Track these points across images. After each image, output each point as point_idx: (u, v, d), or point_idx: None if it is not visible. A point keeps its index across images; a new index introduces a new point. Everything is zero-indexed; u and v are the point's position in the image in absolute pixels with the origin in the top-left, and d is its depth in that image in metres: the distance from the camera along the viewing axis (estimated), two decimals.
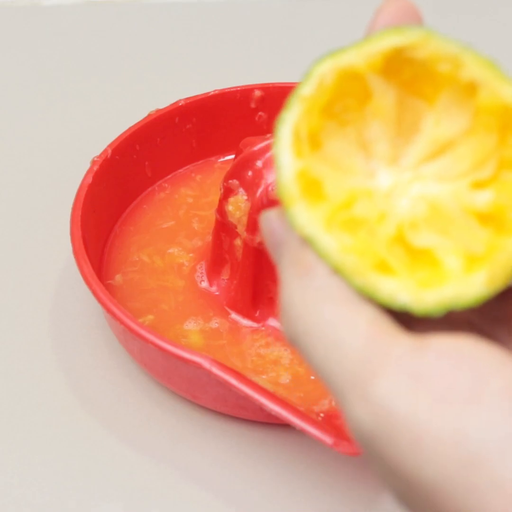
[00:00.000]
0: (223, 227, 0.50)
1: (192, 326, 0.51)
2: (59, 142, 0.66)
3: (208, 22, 0.79)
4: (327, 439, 0.39)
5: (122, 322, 0.44)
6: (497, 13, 0.81)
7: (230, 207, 0.49)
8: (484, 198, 0.26)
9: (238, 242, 0.50)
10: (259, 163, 0.48)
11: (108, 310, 0.44)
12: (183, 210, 0.58)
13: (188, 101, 0.58)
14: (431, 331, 0.25)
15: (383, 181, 0.26)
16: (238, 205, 0.48)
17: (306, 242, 0.25)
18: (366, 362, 0.23)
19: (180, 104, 0.58)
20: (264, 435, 0.47)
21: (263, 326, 0.51)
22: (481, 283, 0.25)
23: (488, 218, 0.26)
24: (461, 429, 0.21)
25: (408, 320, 0.25)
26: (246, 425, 0.47)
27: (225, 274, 0.52)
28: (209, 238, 0.54)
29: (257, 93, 0.59)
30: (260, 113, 0.59)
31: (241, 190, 0.48)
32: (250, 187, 0.48)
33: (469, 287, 0.25)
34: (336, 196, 0.26)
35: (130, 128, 0.56)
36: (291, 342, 0.25)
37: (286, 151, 0.26)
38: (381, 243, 0.26)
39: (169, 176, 0.60)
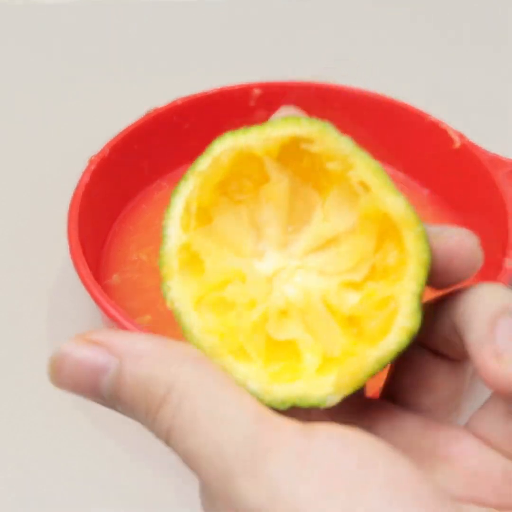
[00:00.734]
0: None
1: None
2: (56, 141, 0.65)
3: (207, 20, 0.79)
4: None
5: (119, 323, 0.43)
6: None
7: None
8: (351, 302, 0.26)
9: None
10: None
11: (105, 311, 0.44)
12: None
13: (186, 100, 0.58)
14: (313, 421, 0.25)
15: (268, 265, 0.27)
16: None
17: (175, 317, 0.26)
18: (256, 439, 0.22)
19: (178, 103, 0.58)
20: None
21: None
22: (329, 386, 0.25)
23: (352, 322, 0.26)
24: None
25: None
26: None
27: None
28: None
29: (256, 91, 0.59)
30: (259, 111, 0.59)
31: None
32: None
33: (317, 388, 0.25)
34: (213, 274, 0.26)
35: (128, 127, 0.56)
36: (169, 430, 0.24)
37: (174, 224, 0.26)
38: (244, 328, 0.26)
39: (167, 175, 0.59)
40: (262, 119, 0.59)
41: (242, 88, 0.59)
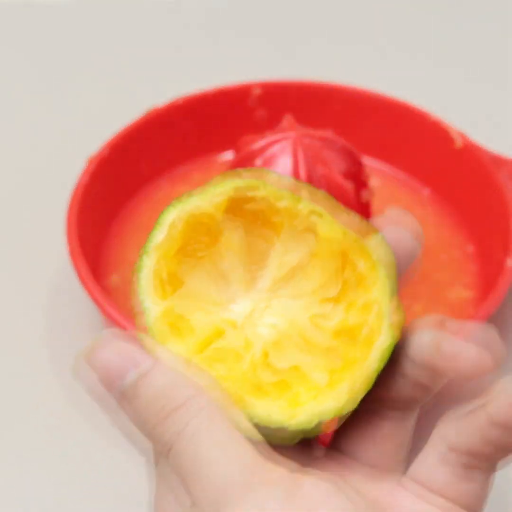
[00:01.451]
0: None
1: None
2: (55, 141, 0.65)
3: (206, 19, 0.79)
4: None
5: (118, 323, 0.43)
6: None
7: None
8: (336, 314, 0.28)
9: None
10: (258, 162, 0.48)
11: (104, 311, 0.44)
12: None
13: (186, 99, 0.58)
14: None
15: (242, 307, 0.28)
16: None
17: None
18: (252, 473, 0.25)
19: (178, 102, 0.57)
20: None
21: None
22: (345, 394, 0.27)
23: (343, 332, 0.28)
24: None
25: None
26: None
27: None
28: None
29: (256, 90, 0.58)
30: (259, 111, 0.59)
31: None
32: None
33: (335, 399, 0.27)
34: (202, 329, 0.28)
35: (127, 127, 0.55)
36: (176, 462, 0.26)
37: (148, 296, 0.28)
38: (250, 368, 0.27)
39: (167, 175, 0.59)
40: (262, 119, 0.60)
41: (242, 88, 0.58)
